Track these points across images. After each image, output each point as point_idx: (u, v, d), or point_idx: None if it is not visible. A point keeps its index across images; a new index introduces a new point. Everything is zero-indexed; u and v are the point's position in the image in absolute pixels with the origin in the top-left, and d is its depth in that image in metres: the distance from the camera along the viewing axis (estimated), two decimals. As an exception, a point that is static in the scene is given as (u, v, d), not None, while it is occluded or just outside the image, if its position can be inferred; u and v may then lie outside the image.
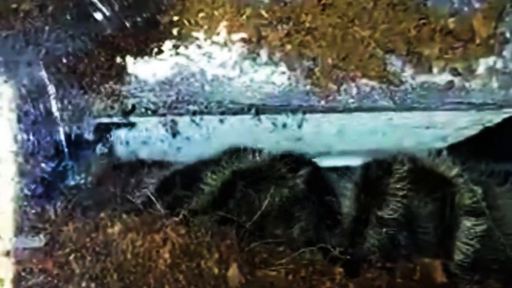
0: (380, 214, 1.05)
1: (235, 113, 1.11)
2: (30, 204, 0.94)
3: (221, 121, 1.17)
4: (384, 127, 1.18)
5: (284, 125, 1.17)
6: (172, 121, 1.16)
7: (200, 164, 1.10)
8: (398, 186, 1.06)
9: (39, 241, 0.91)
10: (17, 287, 0.88)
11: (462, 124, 1.17)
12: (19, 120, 0.95)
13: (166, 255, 0.92)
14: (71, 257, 0.91)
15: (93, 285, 0.89)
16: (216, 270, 0.92)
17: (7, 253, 0.90)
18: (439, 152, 1.16)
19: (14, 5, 0.92)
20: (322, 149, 1.22)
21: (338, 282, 0.97)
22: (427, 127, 1.18)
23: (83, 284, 0.89)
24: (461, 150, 1.22)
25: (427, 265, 1.00)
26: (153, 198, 1.00)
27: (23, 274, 0.89)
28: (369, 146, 1.22)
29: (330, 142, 1.21)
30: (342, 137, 1.20)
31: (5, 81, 0.94)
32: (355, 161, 1.16)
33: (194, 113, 1.11)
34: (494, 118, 1.16)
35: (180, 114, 1.12)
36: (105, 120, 1.09)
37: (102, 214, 0.95)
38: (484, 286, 1.02)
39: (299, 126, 1.17)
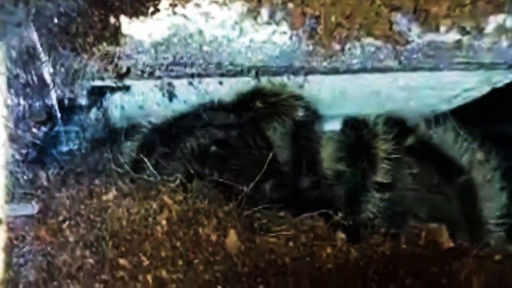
0: (376, 179, 1.05)
1: (234, 75, 1.09)
2: (22, 170, 0.93)
3: (220, 83, 1.14)
4: (389, 88, 1.17)
5: (284, 87, 1.15)
6: (169, 84, 1.14)
7: (177, 119, 1.09)
8: (388, 147, 1.07)
9: (31, 209, 0.90)
10: (9, 255, 0.88)
11: (469, 85, 1.15)
12: (9, 84, 0.93)
13: (163, 222, 0.91)
14: (65, 225, 0.91)
15: (87, 253, 0.89)
16: (214, 237, 0.92)
17: (-1, 221, 0.90)
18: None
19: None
20: (323, 112, 1.20)
21: (340, 248, 0.96)
22: (433, 88, 1.16)
23: (78, 252, 0.89)
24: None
25: (432, 231, 0.99)
26: (146, 161, 0.99)
27: (15, 242, 0.89)
28: (373, 109, 1.20)
29: (332, 104, 1.19)
30: (344, 99, 1.18)
31: (-6, 43, 0.92)
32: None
33: (192, 75, 1.10)
34: (504, 78, 1.13)
35: (177, 77, 1.10)
36: (99, 83, 1.07)
37: (96, 181, 0.94)
38: (490, 253, 1.00)
39: (300, 87, 1.15)
